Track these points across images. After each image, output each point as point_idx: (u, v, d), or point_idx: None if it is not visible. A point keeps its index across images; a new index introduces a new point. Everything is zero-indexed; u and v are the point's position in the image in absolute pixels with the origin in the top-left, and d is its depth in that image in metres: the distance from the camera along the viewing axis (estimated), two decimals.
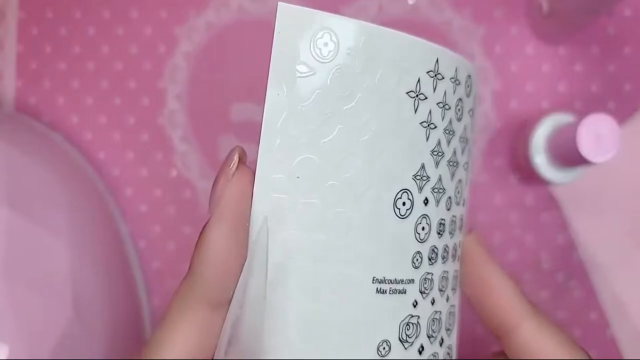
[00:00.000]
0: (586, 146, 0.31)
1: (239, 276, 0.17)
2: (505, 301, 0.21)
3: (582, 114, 0.32)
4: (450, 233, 0.20)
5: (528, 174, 0.38)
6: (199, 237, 0.17)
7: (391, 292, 0.18)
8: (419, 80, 0.18)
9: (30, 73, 0.41)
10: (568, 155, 0.33)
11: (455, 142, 0.20)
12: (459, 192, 0.20)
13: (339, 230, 0.18)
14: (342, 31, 0.17)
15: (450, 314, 0.21)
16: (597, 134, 0.31)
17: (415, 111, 0.18)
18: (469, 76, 0.20)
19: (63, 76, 0.41)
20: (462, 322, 0.22)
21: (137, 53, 0.41)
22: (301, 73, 0.17)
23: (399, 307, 0.19)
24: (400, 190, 0.18)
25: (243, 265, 0.17)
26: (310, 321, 0.18)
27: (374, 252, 0.18)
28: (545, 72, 0.39)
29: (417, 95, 0.18)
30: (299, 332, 0.18)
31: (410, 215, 0.19)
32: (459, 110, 0.19)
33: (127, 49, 0.41)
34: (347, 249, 0.18)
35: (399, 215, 0.18)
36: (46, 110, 0.41)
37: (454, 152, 0.20)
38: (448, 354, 0.21)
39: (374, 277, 0.18)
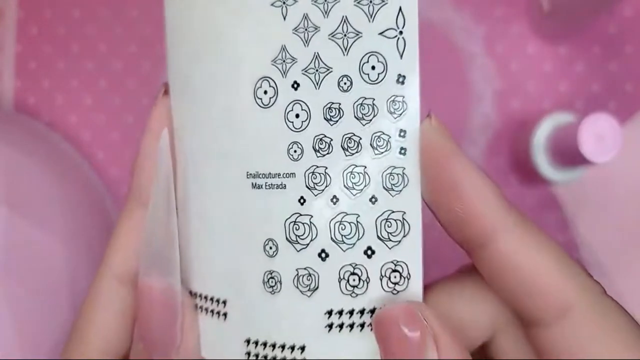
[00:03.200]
0: (587, 146, 0.31)
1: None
2: (479, 204, 0.16)
3: (583, 114, 0.32)
4: (361, 119, 0.17)
5: (529, 174, 0.38)
6: None
7: (267, 187, 0.17)
8: None
9: (29, 73, 0.41)
10: (569, 155, 0.33)
11: (343, 8, 0.17)
12: (372, 67, 0.17)
13: (208, 126, 0.18)
14: None
15: (389, 221, 0.17)
16: (598, 134, 0.31)
17: None
18: None
19: (62, 76, 0.41)
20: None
21: (136, 52, 0.41)
22: None
23: (279, 204, 0.17)
24: (260, 79, 0.17)
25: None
26: (202, 217, 0.18)
27: (243, 146, 0.17)
28: (546, 71, 0.39)
29: None
30: (195, 229, 0.18)
31: (276, 103, 0.17)
32: None
33: (126, 49, 0.41)
34: (219, 144, 0.18)
35: (262, 105, 0.17)
36: (45, 110, 0.41)
37: (345, 21, 0.17)
38: (395, 270, 0.17)
39: (247, 172, 0.18)
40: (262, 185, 0.17)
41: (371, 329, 0.17)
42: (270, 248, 0.17)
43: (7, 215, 0.31)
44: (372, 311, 0.17)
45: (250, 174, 0.17)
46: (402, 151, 0.17)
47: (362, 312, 0.17)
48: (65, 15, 0.41)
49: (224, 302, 0.18)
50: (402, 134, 0.17)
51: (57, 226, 0.34)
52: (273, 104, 0.17)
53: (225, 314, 0.18)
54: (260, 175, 0.17)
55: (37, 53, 0.41)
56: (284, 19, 0.17)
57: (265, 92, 0.17)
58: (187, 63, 0.18)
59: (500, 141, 0.39)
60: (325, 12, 0.17)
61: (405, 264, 0.17)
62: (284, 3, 0.17)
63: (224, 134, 0.18)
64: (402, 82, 0.17)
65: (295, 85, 0.17)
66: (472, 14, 0.39)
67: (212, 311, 0.18)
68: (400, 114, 0.17)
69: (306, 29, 0.17)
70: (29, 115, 0.41)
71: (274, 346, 0.18)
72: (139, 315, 0.18)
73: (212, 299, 0.18)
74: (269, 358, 0.18)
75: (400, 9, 0.17)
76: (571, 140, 0.32)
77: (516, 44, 0.39)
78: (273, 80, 0.17)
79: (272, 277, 0.17)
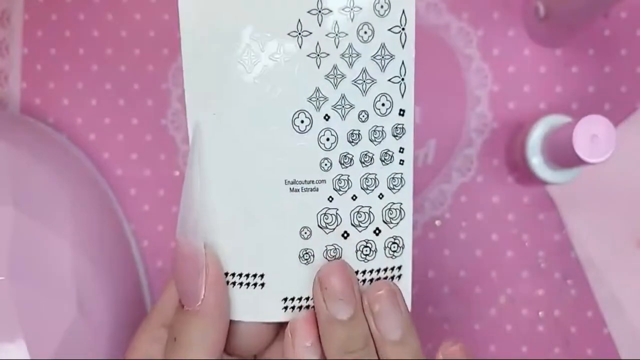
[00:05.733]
0: (582, 147, 0.31)
1: None
2: None
3: (578, 115, 0.32)
4: (374, 141, 0.23)
5: (525, 175, 0.38)
6: None
7: (303, 190, 0.23)
8: (299, 21, 0.22)
9: (35, 75, 0.42)
10: (564, 156, 0.33)
11: (363, 61, 0.23)
12: (382, 104, 0.23)
13: (251, 146, 0.23)
14: None
15: (392, 210, 0.24)
16: (593, 135, 0.31)
17: (300, 46, 0.22)
18: None
19: (67, 78, 0.42)
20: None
21: (141, 55, 0.41)
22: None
23: (313, 202, 0.24)
24: (297, 111, 0.23)
25: None
26: (246, 215, 0.24)
27: (282, 161, 0.23)
28: (542, 73, 0.40)
29: (299, 33, 0.22)
30: (239, 225, 0.24)
31: (311, 130, 0.23)
32: (365, 32, 0.22)
33: (131, 51, 0.41)
34: (261, 159, 0.23)
35: (299, 131, 0.23)
36: (51, 111, 0.42)
37: (364, 71, 0.23)
38: (394, 242, 0.24)
39: (285, 180, 0.23)
40: (299, 189, 0.23)
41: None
42: (306, 233, 0.24)
43: (14, 215, 0.32)
44: (378, 271, 0.24)
45: (288, 181, 0.23)
46: (401, 162, 0.24)
47: (371, 271, 0.24)
48: (71, 18, 0.42)
49: (262, 275, 0.24)
50: (401, 150, 0.23)
51: (62, 225, 0.34)
52: (308, 130, 0.23)
53: (262, 284, 0.24)
54: (297, 182, 0.23)
55: (43, 55, 0.42)
56: (318, 67, 0.23)
57: (302, 122, 0.23)
58: (224, 99, 0.23)
59: (496, 142, 0.40)
60: (350, 64, 0.23)
61: (401, 238, 0.24)
62: (318, 55, 0.22)
63: (265, 152, 0.23)
64: (402, 114, 0.23)
65: (327, 117, 0.23)
66: (469, 17, 0.40)
67: (248, 284, 0.24)
68: (401, 137, 0.23)
69: (335, 76, 0.23)
70: (35, 117, 0.42)
71: (308, 298, 0.24)
72: (174, 267, 0.23)
73: (249, 275, 0.24)
74: (303, 307, 0.24)
75: (402, 62, 0.23)
76: (566, 142, 0.32)
77: (513, 47, 0.40)
78: (308, 113, 0.23)
79: (306, 253, 0.24)
